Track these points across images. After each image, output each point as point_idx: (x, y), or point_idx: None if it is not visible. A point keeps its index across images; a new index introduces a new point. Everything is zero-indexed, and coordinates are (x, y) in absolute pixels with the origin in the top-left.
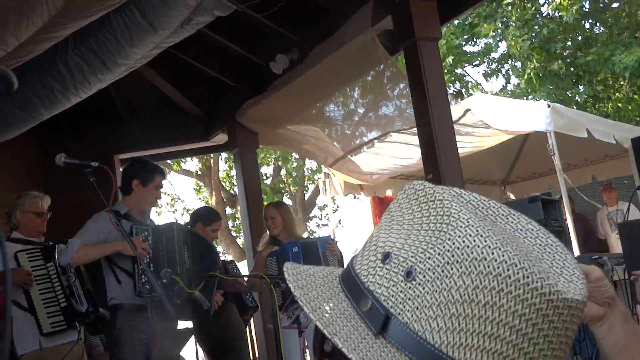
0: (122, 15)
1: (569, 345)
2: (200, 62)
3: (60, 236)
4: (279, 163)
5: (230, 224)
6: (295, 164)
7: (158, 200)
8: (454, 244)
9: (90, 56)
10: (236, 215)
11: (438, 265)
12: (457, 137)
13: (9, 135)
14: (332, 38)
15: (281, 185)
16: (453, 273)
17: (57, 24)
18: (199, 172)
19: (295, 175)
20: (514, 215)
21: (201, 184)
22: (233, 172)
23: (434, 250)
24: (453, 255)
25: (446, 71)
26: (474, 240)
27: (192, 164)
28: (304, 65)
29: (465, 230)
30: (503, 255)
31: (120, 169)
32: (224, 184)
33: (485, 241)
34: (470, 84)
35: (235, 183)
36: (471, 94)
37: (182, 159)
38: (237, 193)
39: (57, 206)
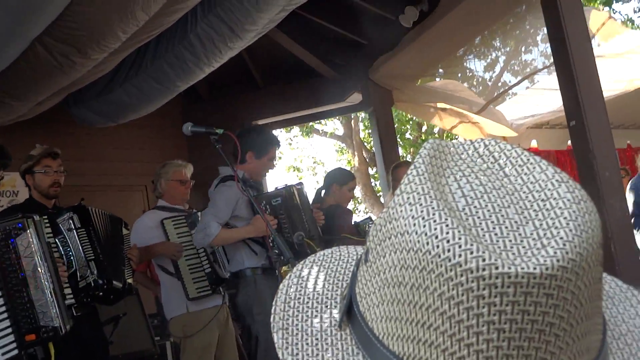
0: None
1: (566, 339)
2: (329, 21)
3: (204, 203)
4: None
5: (374, 183)
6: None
7: (267, 172)
8: (389, 215)
9: (218, 24)
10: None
11: (379, 243)
12: (602, 76)
13: (150, 109)
14: None
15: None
16: (386, 251)
17: None
18: (340, 134)
19: (437, 131)
20: (532, 164)
21: (343, 145)
22: None
23: (381, 225)
24: (387, 230)
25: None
26: (402, 210)
27: (333, 125)
28: (434, 16)
29: (404, 197)
30: (424, 227)
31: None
32: (365, 144)
33: (412, 210)
34: (620, 21)
35: None
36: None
37: (322, 121)
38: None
39: (200, 174)
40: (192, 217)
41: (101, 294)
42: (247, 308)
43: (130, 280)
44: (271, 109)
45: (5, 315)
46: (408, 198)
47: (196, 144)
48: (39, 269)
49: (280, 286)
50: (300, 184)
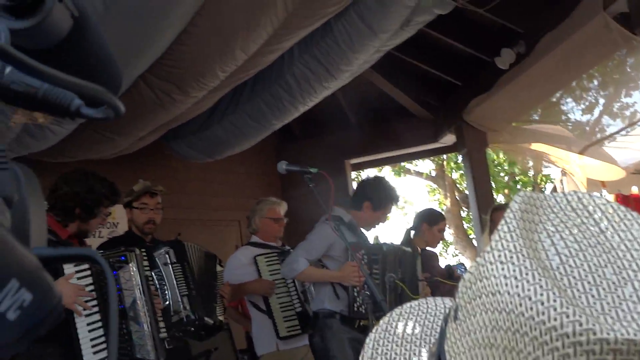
0: (343, 21)
1: None
2: (423, 62)
3: (297, 241)
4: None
5: (466, 225)
6: (530, 163)
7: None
8: (480, 272)
9: (314, 64)
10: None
11: (469, 301)
12: None
13: (245, 145)
14: (561, 27)
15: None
16: (477, 311)
17: (281, 35)
18: (432, 174)
19: (531, 175)
20: (630, 220)
21: (434, 185)
22: None
23: (471, 282)
24: (478, 288)
25: None
26: (494, 268)
27: (425, 165)
28: (531, 58)
29: (495, 255)
30: (517, 287)
31: (353, 175)
32: (458, 185)
33: (504, 269)
34: None
35: None
36: None
37: (413, 162)
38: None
39: (293, 212)
40: (284, 255)
41: (193, 329)
42: (324, 351)
43: (221, 318)
44: (364, 148)
45: (104, 346)
46: (499, 256)
47: (290, 182)
48: (137, 301)
49: (370, 334)
50: (413, 250)
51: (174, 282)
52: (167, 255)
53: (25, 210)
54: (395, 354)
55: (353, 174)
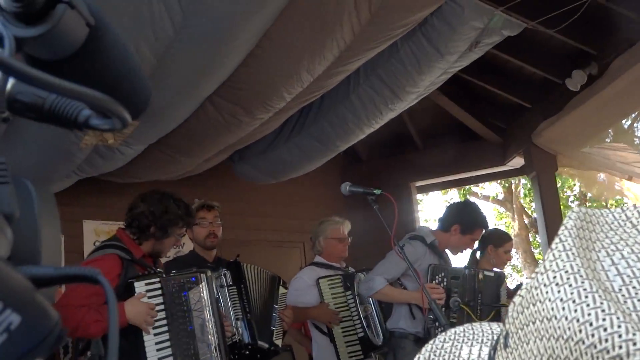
0: (409, 43)
1: None
2: (491, 84)
3: (361, 262)
4: (582, 188)
5: (535, 250)
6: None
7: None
8: (532, 296)
9: (380, 86)
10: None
11: (521, 327)
12: None
13: (310, 167)
14: (634, 48)
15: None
16: (530, 338)
17: (347, 57)
18: (500, 198)
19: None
20: None
21: (502, 209)
22: None
23: (523, 306)
24: (531, 313)
25: None
26: (549, 291)
27: (492, 188)
28: (603, 80)
29: (549, 276)
30: (575, 311)
31: (417, 196)
32: (526, 209)
33: (560, 292)
34: None
35: None
36: None
37: (480, 185)
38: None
39: (358, 233)
40: (349, 278)
41: (247, 352)
42: None
43: (279, 342)
44: (430, 171)
45: None
46: (555, 277)
47: (355, 204)
48: (206, 323)
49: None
50: (497, 275)
51: (229, 304)
52: (223, 277)
53: (35, 228)
54: None
55: (419, 197)
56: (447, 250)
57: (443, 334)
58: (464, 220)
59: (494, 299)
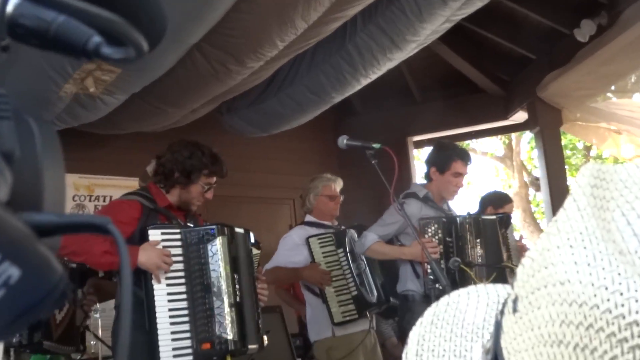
0: None
1: None
2: (495, 34)
3: (354, 220)
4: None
5: (534, 208)
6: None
7: (457, 190)
8: (544, 258)
9: (379, 35)
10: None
11: (531, 292)
12: None
13: (302, 120)
14: None
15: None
16: (541, 302)
17: (344, 2)
18: (499, 155)
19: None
20: None
21: (501, 166)
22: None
23: (533, 269)
24: (542, 277)
25: None
26: (562, 254)
27: (491, 144)
28: (614, 30)
29: (563, 238)
30: (590, 275)
31: (414, 152)
32: (527, 165)
33: (574, 254)
34: None
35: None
36: None
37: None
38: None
39: (350, 190)
40: (340, 235)
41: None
42: (401, 336)
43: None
44: (429, 125)
45: (186, 319)
46: (568, 239)
47: (347, 159)
48: (221, 278)
49: (414, 328)
50: (500, 218)
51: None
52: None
53: (37, 169)
54: (444, 350)
55: (415, 152)
56: (450, 204)
57: (446, 296)
58: (436, 159)
59: (498, 246)
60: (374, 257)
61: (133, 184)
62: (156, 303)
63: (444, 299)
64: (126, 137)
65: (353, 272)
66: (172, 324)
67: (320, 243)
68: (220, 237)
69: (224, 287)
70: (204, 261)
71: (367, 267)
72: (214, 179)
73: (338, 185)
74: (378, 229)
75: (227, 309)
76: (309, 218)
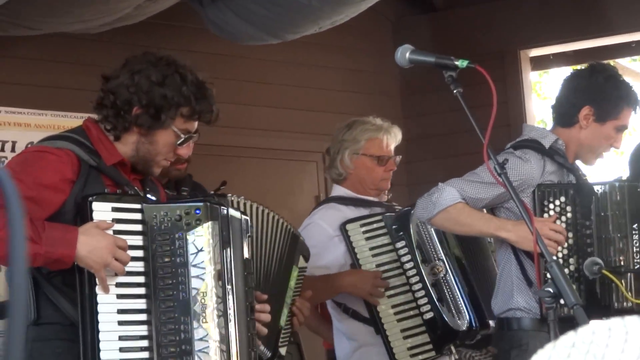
0: None
1: None
2: None
3: (414, 193)
4: None
5: None
6: None
7: (609, 150)
8: None
9: None
10: None
11: None
12: None
13: (336, 18)
14: None
15: None
16: None
17: None
18: None
19: None
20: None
21: None
22: None
23: None
24: None
25: None
26: None
27: None
28: None
29: None
30: None
31: (530, 74)
32: None
33: None
34: None
35: None
36: None
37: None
38: None
39: (414, 141)
40: (399, 220)
41: None
42: None
43: (283, 350)
44: (546, 33)
45: (146, 355)
46: None
47: (415, 88)
48: (208, 292)
49: None
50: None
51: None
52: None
53: None
54: None
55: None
56: (579, 164)
57: (572, 335)
58: (597, 96)
59: None
60: (445, 229)
61: (60, 123)
62: (100, 327)
63: (568, 340)
64: (42, 42)
65: (425, 279)
66: (120, 338)
67: (364, 231)
68: (210, 223)
69: (210, 305)
70: (180, 261)
71: (450, 269)
72: (196, 124)
73: (393, 138)
74: (465, 185)
75: (214, 340)
76: (339, 191)
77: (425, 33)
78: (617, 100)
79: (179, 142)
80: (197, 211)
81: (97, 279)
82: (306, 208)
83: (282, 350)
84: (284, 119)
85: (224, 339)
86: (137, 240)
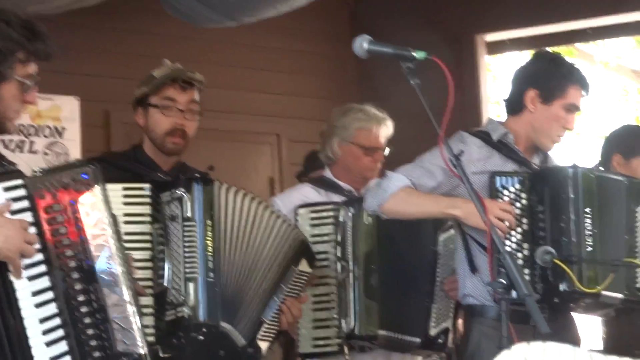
0: None
1: None
2: None
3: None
4: None
5: None
6: None
7: (563, 132)
8: None
9: None
10: None
11: None
12: None
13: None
14: None
15: None
16: None
17: None
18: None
19: None
20: None
21: (636, 85)
22: None
23: None
24: None
25: None
26: None
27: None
28: None
29: None
30: None
31: (485, 59)
32: None
33: None
34: None
35: None
36: None
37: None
38: None
39: None
40: (344, 207)
41: (201, 338)
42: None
43: (264, 345)
44: (509, 17)
45: (61, 333)
46: None
47: (374, 72)
48: (115, 256)
49: None
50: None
51: (182, 252)
52: (177, 204)
53: None
54: None
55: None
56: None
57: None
58: (540, 77)
59: (619, 230)
60: (395, 216)
61: None
62: (23, 314)
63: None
64: None
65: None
66: (44, 333)
67: (312, 218)
68: (98, 187)
69: (119, 271)
70: (76, 229)
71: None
72: (34, 66)
73: (384, 129)
74: (411, 171)
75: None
76: (326, 173)
77: (383, 17)
78: (560, 78)
79: (26, 89)
80: (84, 175)
81: (10, 267)
82: (260, 189)
83: (263, 345)
84: (240, 101)
85: (132, 298)
86: (28, 215)
